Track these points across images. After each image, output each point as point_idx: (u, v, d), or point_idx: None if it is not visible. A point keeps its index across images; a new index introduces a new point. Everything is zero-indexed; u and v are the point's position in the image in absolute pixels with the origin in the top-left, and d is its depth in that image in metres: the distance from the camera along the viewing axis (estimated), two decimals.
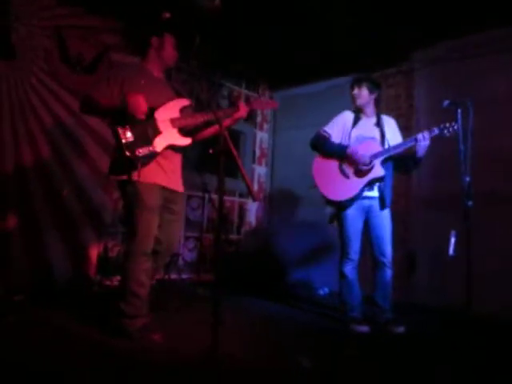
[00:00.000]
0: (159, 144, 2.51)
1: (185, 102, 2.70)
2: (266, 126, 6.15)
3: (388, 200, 3.17)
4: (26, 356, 2.14)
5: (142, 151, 2.43)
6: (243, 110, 2.67)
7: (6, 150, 3.59)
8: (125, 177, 2.49)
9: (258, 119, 6.05)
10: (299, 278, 5.03)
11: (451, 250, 2.70)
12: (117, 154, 2.49)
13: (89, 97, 2.52)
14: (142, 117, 2.43)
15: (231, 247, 5.45)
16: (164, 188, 2.60)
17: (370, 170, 3.09)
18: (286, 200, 5.76)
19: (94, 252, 4.11)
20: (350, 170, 3.15)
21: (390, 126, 3.29)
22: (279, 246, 5.60)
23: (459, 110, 2.72)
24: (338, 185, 3.16)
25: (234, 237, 5.63)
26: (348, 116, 3.28)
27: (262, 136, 6.10)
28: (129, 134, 2.42)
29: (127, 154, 2.40)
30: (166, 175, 2.60)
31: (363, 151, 3.09)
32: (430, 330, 3.24)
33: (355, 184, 3.12)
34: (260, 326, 3.17)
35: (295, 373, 2.16)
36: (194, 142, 2.76)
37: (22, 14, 3.69)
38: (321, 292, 4.77)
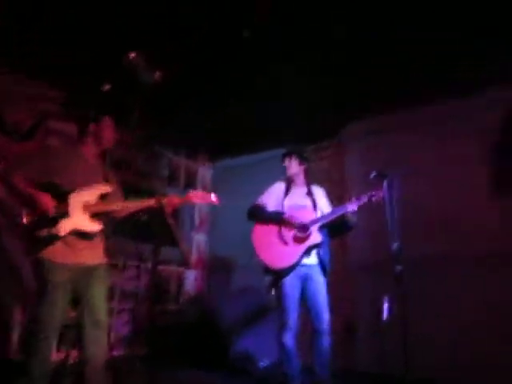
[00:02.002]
0: (64, 228, 2.58)
1: (106, 188, 2.77)
2: None
3: (328, 267, 3.24)
4: None
5: (43, 233, 2.53)
6: (168, 207, 2.74)
7: None
8: (31, 255, 2.56)
9: (198, 187, 6.11)
10: (240, 349, 4.89)
11: (385, 316, 2.79)
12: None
13: (9, 175, 2.60)
14: (39, 215, 2.53)
15: (169, 318, 5.24)
16: (72, 266, 2.61)
17: (307, 237, 3.17)
18: (226, 268, 5.72)
19: (17, 327, 3.79)
20: (288, 237, 3.20)
21: (319, 195, 3.46)
22: (219, 316, 5.46)
23: (385, 181, 2.95)
24: (278, 252, 3.20)
25: (172, 307, 5.43)
26: (280, 186, 3.44)
27: (202, 205, 6.14)
28: (32, 217, 2.53)
29: (28, 235, 2.53)
30: (74, 253, 2.63)
31: (299, 218, 3.20)
32: None
33: (294, 251, 3.17)
34: None
35: None
36: (114, 219, 2.92)
37: None
38: (261, 364, 4.64)
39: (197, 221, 6.03)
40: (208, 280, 5.94)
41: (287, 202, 3.34)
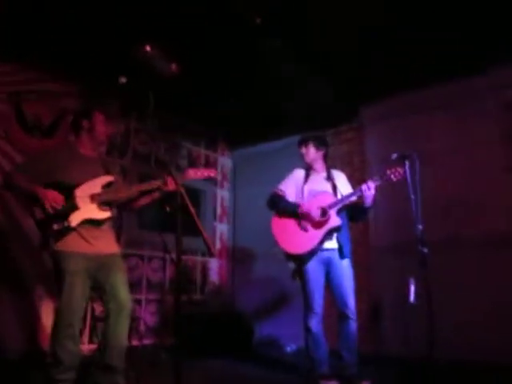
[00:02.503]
0: (75, 219, 2.69)
1: (109, 178, 2.89)
2: (226, 184, 6.23)
3: (347, 250, 3.22)
4: None
5: (55, 227, 2.63)
6: (170, 185, 2.78)
7: None
8: (46, 248, 2.66)
9: (219, 177, 6.13)
10: (266, 335, 4.93)
11: (411, 298, 2.76)
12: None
13: (11, 177, 2.74)
14: (51, 210, 2.63)
15: (195, 307, 5.31)
16: (87, 254, 2.70)
17: (326, 221, 3.16)
18: (250, 256, 5.75)
19: (49, 320, 3.89)
20: (307, 224, 3.21)
21: (340, 179, 3.43)
22: (243, 305, 5.51)
23: (407, 162, 2.91)
24: (298, 238, 3.20)
25: (197, 297, 5.50)
26: (299, 173, 3.43)
27: (223, 194, 6.17)
28: (44, 212, 2.62)
29: (41, 229, 2.64)
30: (88, 242, 2.73)
31: (317, 204, 3.18)
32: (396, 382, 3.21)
33: (314, 235, 3.16)
34: None
35: None
36: (132, 209, 3.08)
37: None
38: (288, 349, 4.68)
39: (218, 211, 6.05)
40: (232, 269, 5.98)
41: (307, 188, 3.33)
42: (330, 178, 3.38)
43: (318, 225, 3.17)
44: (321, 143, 3.42)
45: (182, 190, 1.91)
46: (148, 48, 3.61)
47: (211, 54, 3.91)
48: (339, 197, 3.26)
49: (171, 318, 4.88)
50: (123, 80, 1.96)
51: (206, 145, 6.00)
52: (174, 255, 4.51)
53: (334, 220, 3.15)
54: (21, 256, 3.83)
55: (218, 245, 5.92)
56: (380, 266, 4.52)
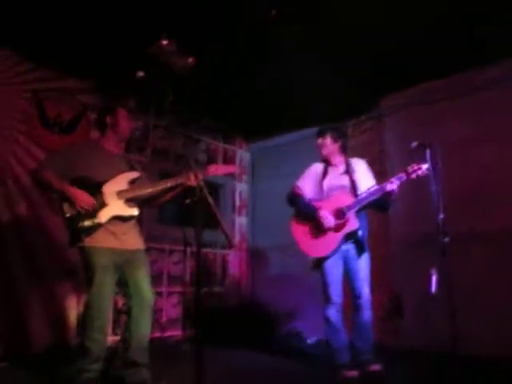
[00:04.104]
0: (104, 216, 2.76)
1: (134, 174, 2.95)
2: (244, 177, 6.24)
3: (365, 244, 3.21)
4: None
5: (86, 223, 2.70)
6: (192, 180, 2.77)
7: None
8: (76, 244, 2.72)
9: (237, 171, 6.13)
10: (286, 328, 4.94)
11: (433, 289, 2.73)
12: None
13: (40, 172, 2.78)
14: (82, 210, 2.70)
15: (216, 300, 5.35)
16: (115, 250, 2.78)
17: (345, 224, 3.13)
18: (269, 249, 5.75)
19: (73, 313, 3.98)
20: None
21: (360, 169, 3.35)
22: (263, 296, 5.53)
23: (427, 151, 2.85)
24: (316, 241, 3.20)
25: (217, 289, 5.54)
26: (317, 168, 3.39)
27: (242, 187, 6.17)
28: (73, 209, 2.69)
29: (71, 226, 2.71)
30: (116, 238, 2.80)
31: (335, 205, 3.15)
32: (417, 375, 3.18)
33: (332, 239, 3.16)
34: (249, 379, 3.09)
35: None
36: (158, 206, 3.21)
37: (1, 77, 3.78)
38: (308, 341, 4.67)
39: (237, 204, 6.07)
40: (250, 262, 6.00)
41: (325, 183, 3.29)
42: (347, 172, 3.32)
43: (336, 228, 3.15)
44: (338, 135, 3.37)
45: (202, 184, 1.93)
46: (164, 42, 3.62)
47: (227, 47, 3.89)
48: (358, 192, 3.20)
49: (192, 310, 4.94)
50: (141, 74, 1.97)
51: (224, 139, 6.01)
52: (193, 248, 4.57)
53: (352, 223, 3.12)
54: (46, 252, 3.90)
55: (236, 238, 5.94)
56: (400, 258, 4.47)
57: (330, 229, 3.14)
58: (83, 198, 2.69)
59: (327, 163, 3.38)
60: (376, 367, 3.03)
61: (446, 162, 2.88)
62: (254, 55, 4.04)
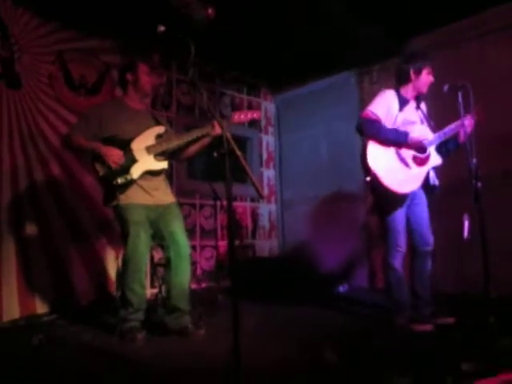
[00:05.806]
0: (136, 171, 2.81)
1: (160, 129, 2.97)
2: (270, 129, 6.19)
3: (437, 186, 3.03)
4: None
5: (119, 181, 2.76)
6: (217, 129, 2.81)
7: (19, 173, 3.69)
8: (111, 202, 2.81)
9: (263, 123, 6.09)
10: (319, 276, 5.02)
11: (465, 234, 2.71)
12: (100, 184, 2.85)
13: (69, 138, 2.85)
14: (114, 165, 2.75)
15: (248, 252, 5.48)
16: (149, 206, 2.86)
17: (427, 158, 2.91)
18: (297, 201, 5.78)
19: (112, 267, 4.17)
20: (409, 158, 2.89)
21: (424, 108, 3.13)
22: (294, 248, 5.63)
23: (460, 94, 2.75)
24: (401, 175, 2.86)
25: (248, 241, 5.66)
26: (392, 97, 2.95)
27: (268, 139, 6.14)
28: (106, 168, 2.76)
29: (106, 184, 2.79)
30: (148, 194, 2.87)
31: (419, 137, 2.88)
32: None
33: (418, 174, 2.91)
34: (291, 328, 3.08)
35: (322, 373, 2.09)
36: (186, 159, 3.26)
37: (23, 43, 3.80)
38: (341, 289, 4.75)
39: (264, 156, 6.06)
40: (280, 214, 6.06)
41: (401, 116, 2.91)
42: (419, 108, 3.03)
43: (419, 162, 2.89)
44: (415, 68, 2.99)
45: (228, 135, 1.93)
46: None
47: None
48: (431, 130, 2.97)
49: (225, 262, 5.08)
50: (161, 29, 1.95)
51: (248, 90, 5.93)
52: (224, 202, 4.64)
53: (435, 158, 2.94)
54: (83, 212, 4.04)
55: (265, 190, 5.98)
56: (431, 204, 4.41)
57: (421, 153, 2.86)
58: (112, 153, 2.75)
59: (401, 95, 2.97)
60: (450, 320, 2.89)
61: (479, 104, 2.78)
62: (276, 4, 3.90)
